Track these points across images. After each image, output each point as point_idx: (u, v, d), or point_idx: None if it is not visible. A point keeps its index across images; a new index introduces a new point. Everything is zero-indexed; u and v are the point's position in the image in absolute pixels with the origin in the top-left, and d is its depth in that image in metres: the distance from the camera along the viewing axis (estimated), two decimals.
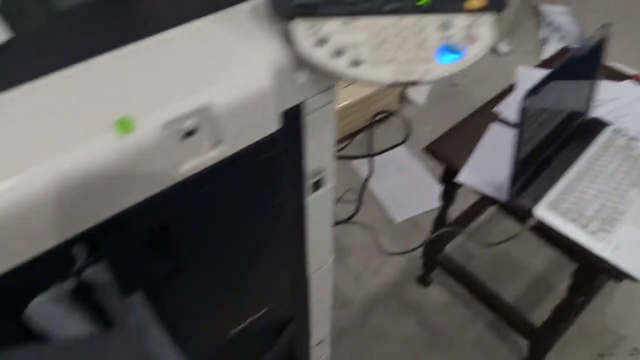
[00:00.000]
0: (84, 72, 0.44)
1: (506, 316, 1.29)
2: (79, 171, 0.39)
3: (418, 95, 1.96)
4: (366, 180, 1.69)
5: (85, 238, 0.43)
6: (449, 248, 1.43)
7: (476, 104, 1.18)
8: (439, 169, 1.14)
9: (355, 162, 1.76)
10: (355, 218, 1.60)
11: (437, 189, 1.22)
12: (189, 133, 0.44)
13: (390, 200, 1.65)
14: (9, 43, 0.46)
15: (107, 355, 0.47)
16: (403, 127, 1.87)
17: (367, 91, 1.74)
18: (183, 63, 0.46)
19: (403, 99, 1.94)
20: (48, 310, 0.59)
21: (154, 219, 0.46)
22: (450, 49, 0.48)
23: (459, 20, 0.49)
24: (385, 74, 0.47)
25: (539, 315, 1.30)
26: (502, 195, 0.98)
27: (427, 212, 1.60)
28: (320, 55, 0.47)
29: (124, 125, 0.40)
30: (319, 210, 0.69)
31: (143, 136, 0.41)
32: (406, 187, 1.69)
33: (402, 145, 1.81)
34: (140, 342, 0.49)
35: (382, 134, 1.84)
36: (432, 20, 0.49)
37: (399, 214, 1.61)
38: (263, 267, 0.66)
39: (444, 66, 0.48)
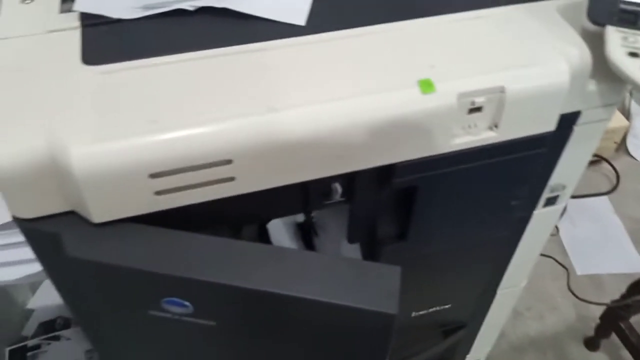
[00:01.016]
0: (396, 31, 0.48)
1: None
2: (380, 114, 0.42)
3: (636, 150, 1.76)
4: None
5: (344, 178, 0.47)
6: (635, 320, 1.27)
7: None
8: None
9: None
10: None
11: (633, 253, 1.09)
12: (475, 109, 0.45)
13: (577, 249, 1.51)
14: None
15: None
16: (612, 178, 1.70)
17: None
18: (487, 42, 0.47)
19: (620, 148, 1.76)
20: (278, 230, 0.66)
21: (409, 181, 0.48)
22: None
23: None
24: None
25: None
26: None
27: (614, 274, 1.44)
28: (633, 67, 0.44)
29: (428, 85, 0.42)
30: (540, 228, 0.66)
31: (439, 99, 0.43)
32: (598, 241, 1.53)
33: (605, 196, 1.64)
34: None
35: (587, 178, 1.69)
36: None
37: (582, 266, 1.47)
38: (467, 263, 0.65)
39: None
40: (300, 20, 0.48)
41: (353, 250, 0.60)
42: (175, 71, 0.43)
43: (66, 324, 1.21)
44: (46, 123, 0.39)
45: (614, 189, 1.67)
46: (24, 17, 0.48)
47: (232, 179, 0.42)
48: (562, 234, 1.55)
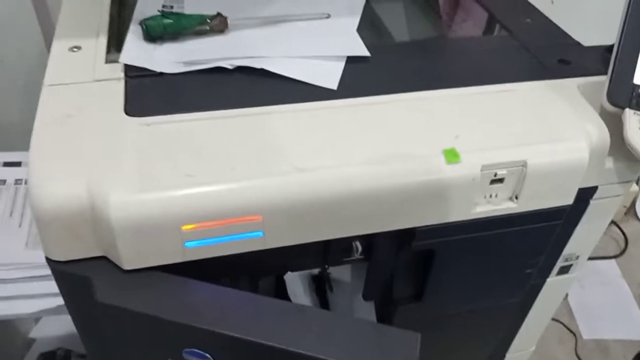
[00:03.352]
0: (423, 100, 0.50)
1: None
2: (405, 180, 0.44)
3: None
4: None
5: (364, 237, 0.49)
6: None
7: None
8: None
9: None
10: None
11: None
12: (497, 180, 0.46)
13: (584, 312, 1.50)
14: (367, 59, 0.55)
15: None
16: (620, 242, 1.70)
17: None
18: (511, 115, 0.49)
19: (629, 212, 1.76)
20: (294, 281, 0.66)
21: (428, 244, 0.49)
22: None
23: None
24: None
25: None
26: None
27: (620, 340, 1.42)
28: None
29: (453, 155, 0.44)
30: (552, 295, 0.67)
31: (464, 169, 0.44)
32: (606, 305, 1.52)
33: (614, 260, 1.64)
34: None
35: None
36: None
37: (589, 331, 1.46)
38: (478, 326, 0.66)
39: None
40: (333, 84, 0.51)
41: (367, 307, 0.61)
42: (212, 127, 0.45)
43: (67, 356, 1.20)
44: (88, 170, 0.40)
45: (622, 253, 1.66)
46: (72, 66, 0.51)
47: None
48: (570, 297, 1.54)
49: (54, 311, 0.65)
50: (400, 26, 0.71)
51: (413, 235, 0.48)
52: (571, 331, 1.45)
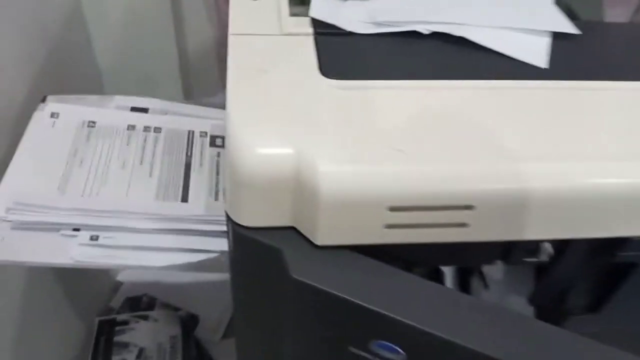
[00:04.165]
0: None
1: None
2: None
3: None
4: None
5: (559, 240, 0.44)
6: None
7: None
8: None
9: None
10: None
11: None
12: None
13: None
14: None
15: None
16: None
17: None
18: None
19: None
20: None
21: (634, 256, 0.44)
22: None
23: None
24: None
25: None
26: None
27: None
28: None
29: None
30: None
31: None
32: None
33: None
34: None
35: None
36: None
37: None
38: None
39: None
40: (541, 61, 0.45)
41: (518, 308, 0.56)
42: (417, 99, 0.41)
43: (151, 303, 1.22)
44: (294, 134, 0.37)
45: None
46: (256, 15, 0.47)
47: (465, 225, 0.39)
48: None
49: (182, 267, 0.63)
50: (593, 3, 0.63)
51: (622, 245, 0.42)
52: None
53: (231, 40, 0.44)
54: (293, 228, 0.39)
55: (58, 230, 0.63)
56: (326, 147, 0.36)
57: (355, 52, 0.44)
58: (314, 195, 0.35)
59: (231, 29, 0.45)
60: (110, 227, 0.64)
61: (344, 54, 0.44)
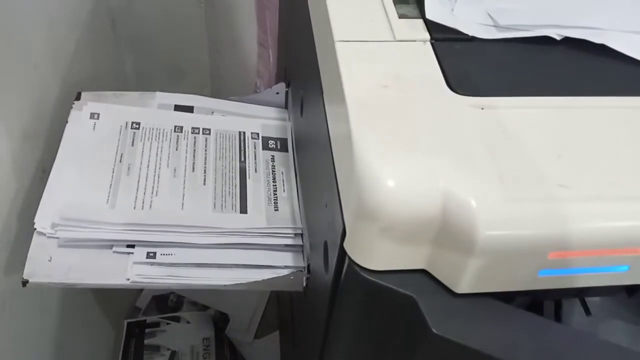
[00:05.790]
0: None
1: None
2: None
3: None
4: None
5: None
6: None
7: None
8: None
9: None
10: None
11: None
12: None
13: None
14: None
15: None
16: None
17: None
18: None
19: None
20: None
21: None
22: None
23: None
24: None
25: None
26: None
27: None
28: None
29: None
30: None
31: None
32: None
33: None
34: None
35: None
36: None
37: None
38: None
39: None
40: None
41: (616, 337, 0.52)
42: (564, 120, 0.35)
43: (179, 302, 1.17)
44: (439, 165, 0.31)
45: None
46: (361, 17, 0.41)
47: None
48: None
49: (249, 286, 0.58)
50: None
51: None
52: None
53: (338, 48, 0.38)
54: (423, 271, 0.34)
55: (110, 247, 0.57)
56: (479, 182, 0.31)
57: (481, 61, 0.39)
58: (467, 238, 0.30)
59: (336, 34, 0.39)
60: (168, 242, 0.58)
61: (469, 64, 0.38)
